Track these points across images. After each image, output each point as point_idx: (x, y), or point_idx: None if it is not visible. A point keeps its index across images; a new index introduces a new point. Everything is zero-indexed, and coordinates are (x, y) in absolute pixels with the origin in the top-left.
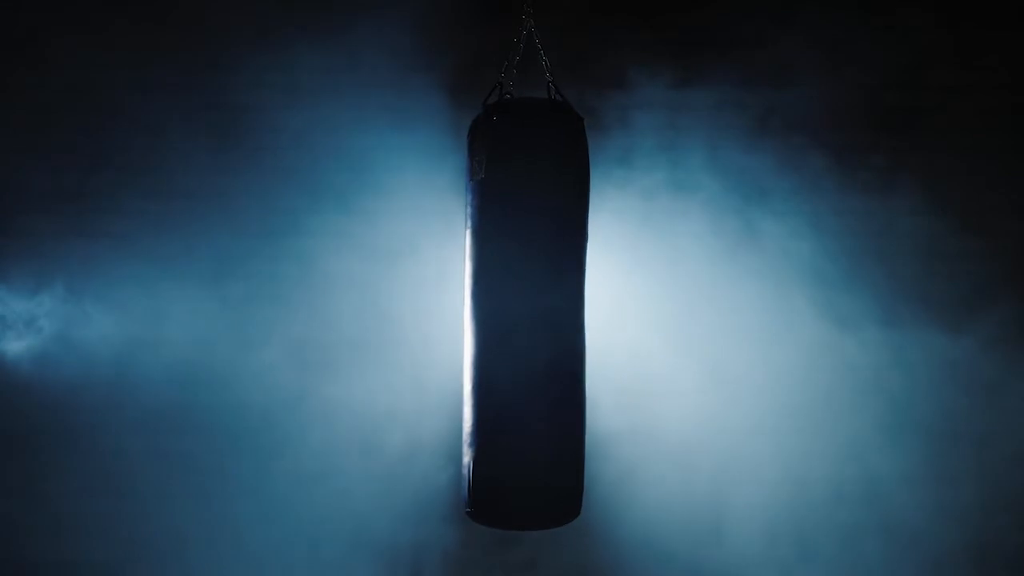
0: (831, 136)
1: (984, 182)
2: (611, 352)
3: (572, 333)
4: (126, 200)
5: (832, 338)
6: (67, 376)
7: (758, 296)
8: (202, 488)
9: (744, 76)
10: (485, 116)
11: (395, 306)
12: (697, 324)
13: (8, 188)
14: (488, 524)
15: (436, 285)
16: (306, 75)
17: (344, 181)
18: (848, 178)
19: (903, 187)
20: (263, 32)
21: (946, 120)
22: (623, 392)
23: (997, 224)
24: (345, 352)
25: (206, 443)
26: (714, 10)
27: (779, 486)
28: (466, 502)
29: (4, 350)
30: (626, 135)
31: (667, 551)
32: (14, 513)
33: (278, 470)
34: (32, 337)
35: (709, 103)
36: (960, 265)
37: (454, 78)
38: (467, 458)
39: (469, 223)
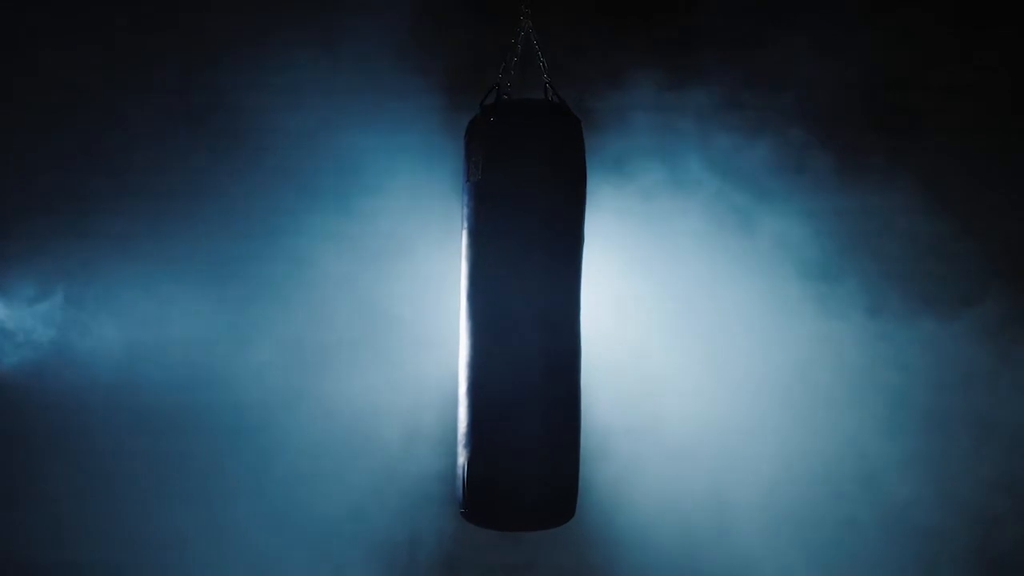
0: (831, 136)
1: (984, 182)
2: (610, 351)
3: (568, 334)
4: (125, 201)
5: (832, 336)
6: (67, 377)
7: (758, 295)
8: (202, 488)
9: (744, 76)
10: (482, 117)
11: (392, 306)
12: (696, 323)
13: (9, 189)
14: (483, 525)
15: (433, 286)
16: (305, 76)
17: (342, 182)
18: (848, 178)
19: (902, 186)
20: (262, 34)
21: (946, 120)
22: (621, 391)
23: (997, 224)
24: (343, 352)
25: (205, 443)
26: (714, 10)
27: (779, 485)
28: (461, 503)
29: (3, 351)
30: (624, 136)
31: (666, 551)
32: (14, 514)
33: (277, 470)
34: (31, 338)
35: (708, 103)
36: (960, 265)
37: (451, 79)
38: (462, 459)
39: (466, 224)
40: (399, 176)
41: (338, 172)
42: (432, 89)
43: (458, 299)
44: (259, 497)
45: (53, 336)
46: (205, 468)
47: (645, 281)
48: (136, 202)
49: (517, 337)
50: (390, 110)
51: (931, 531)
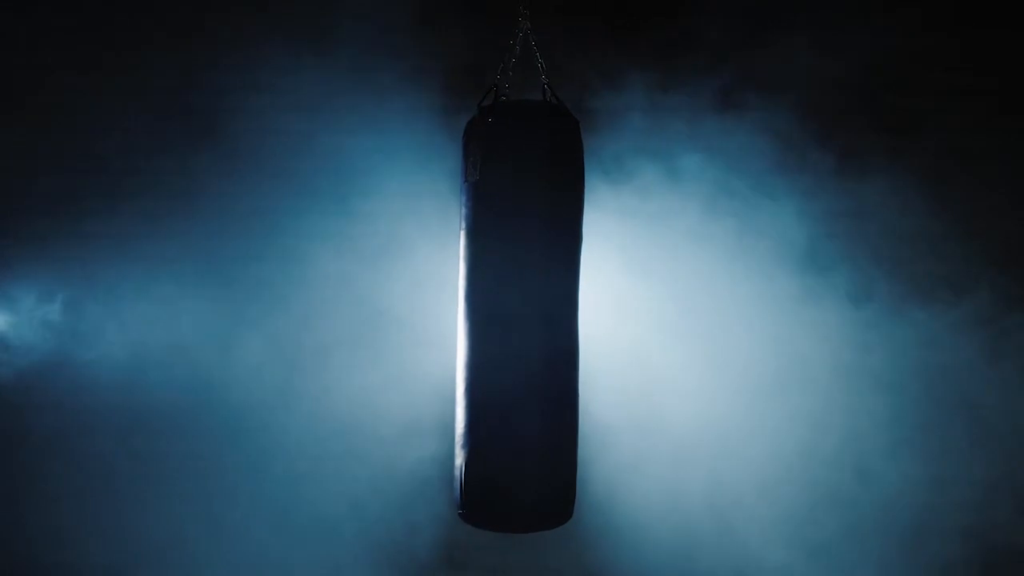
0: (831, 136)
1: (984, 182)
2: (608, 350)
3: (566, 334)
4: (124, 202)
5: (832, 336)
6: (66, 377)
7: (757, 294)
8: (202, 488)
9: (743, 76)
10: (480, 118)
11: (390, 307)
12: (696, 322)
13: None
14: (481, 526)
15: (431, 286)
16: (303, 77)
17: (341, 183)
18: (847, 178)
19: (902, 186)
20: (261, 35)
21: (946, 120)
22: (620, 390)
23: (997, 224)
24: (342, 352)
25: (205, 443)
26: (713, 10)
27: (779, 485)
28: (459, 503)
29: (3, 351)
30: (622, 136)
31: (666, 551)
32: (14, 514)
33: (277, 469)
34: (30, 339)
35: (708, 104)
36: (960, 265)
37: (449, 80)
38: (460, 459)
39: (464, 224)
40: (398, 176)
41: (336, 173)
42: (430, 90)
43: (456, 299)
44: (258, 497)
45: (52, 336)
46: (204, 468)
47: (643, 281)
48: (135, 203)
49: (516, 337)
50: (388, 111)
51: (929, 529)
